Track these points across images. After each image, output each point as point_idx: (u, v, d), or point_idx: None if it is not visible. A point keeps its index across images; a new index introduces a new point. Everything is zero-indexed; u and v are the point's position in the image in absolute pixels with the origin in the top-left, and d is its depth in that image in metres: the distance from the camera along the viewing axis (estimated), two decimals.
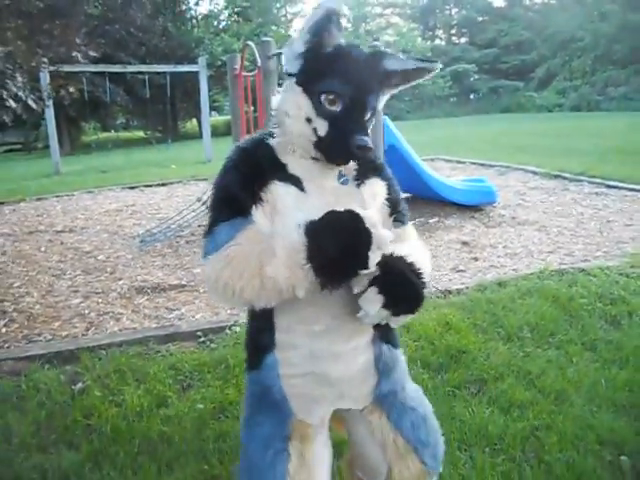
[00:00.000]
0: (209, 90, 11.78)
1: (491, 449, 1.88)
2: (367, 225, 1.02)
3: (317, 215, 1.04)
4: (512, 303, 3.00)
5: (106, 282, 3.89)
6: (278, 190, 1.13)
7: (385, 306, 1.08)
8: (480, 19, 37.40)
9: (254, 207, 1.12)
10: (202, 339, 2.77)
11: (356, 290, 1.10)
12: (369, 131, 1.13)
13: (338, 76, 1.08)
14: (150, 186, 8.17)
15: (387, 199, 1.24)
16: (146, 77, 11.08)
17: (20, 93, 4.81)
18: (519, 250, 4.24)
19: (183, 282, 3.79)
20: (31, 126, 21.97)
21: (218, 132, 19.15)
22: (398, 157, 5.10)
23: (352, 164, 1.19)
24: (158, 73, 12.15)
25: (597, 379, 2.26)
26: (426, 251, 1.25)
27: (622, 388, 2.19)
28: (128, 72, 13.76)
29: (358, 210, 1.04)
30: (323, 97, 1.09)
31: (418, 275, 1.11)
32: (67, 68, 7.74)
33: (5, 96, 4.60)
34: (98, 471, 1.85)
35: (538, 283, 3.29)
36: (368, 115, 1.13)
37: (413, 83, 1.22)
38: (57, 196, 7.67)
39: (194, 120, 26.20)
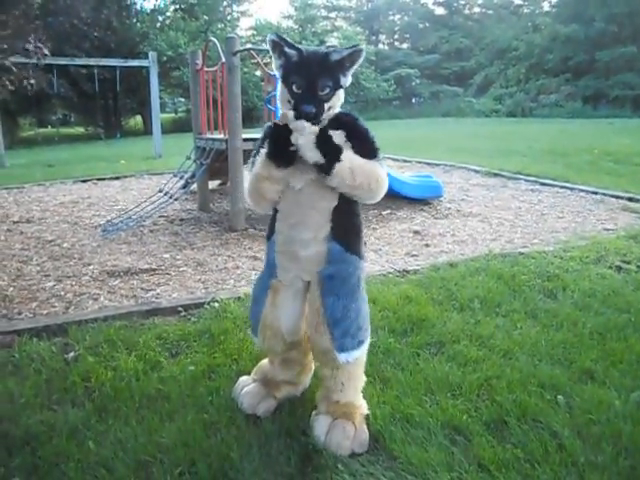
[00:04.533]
0: None
1: (452, 394, 2.18)
2: (290, 125, 1.70)
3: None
4: (463, 280, 3.35)
5: (76, 267, 3.98)
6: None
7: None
8: (422, 26, 38.55)
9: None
10: (183, 313, 2.96)
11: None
12: (326, 102, 1.74)
13: (297, 72, 1.72)
14: (103, 179, 8.15)
15: (350, 142, 1.79)
16: (95, 71, 10.94)
17: None
18: (465, 238, 4.63)
19: (153, 266, 3.95)
20: None
21: (163, 130, 18.97)
22: None
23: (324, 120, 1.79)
24: (106, 67, 12.00)
25: (538, 339, 2.62)
26: (367, 164, 1.79)
27: (558, 346, 2.56)
28: (74, 65, 13.50)
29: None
30: (292, 86, 1.73)
31: (335, 149, 1.71)
32: (15, 60, 7.61)
33: None
34: (104, 423, 2.03)
35: (485, 264, 3.66)
36: (324, 91, 1.72)
37: (357, 65, 1.78)
38: (7, 188, 7.54)
39: (137, 117, 25.79)
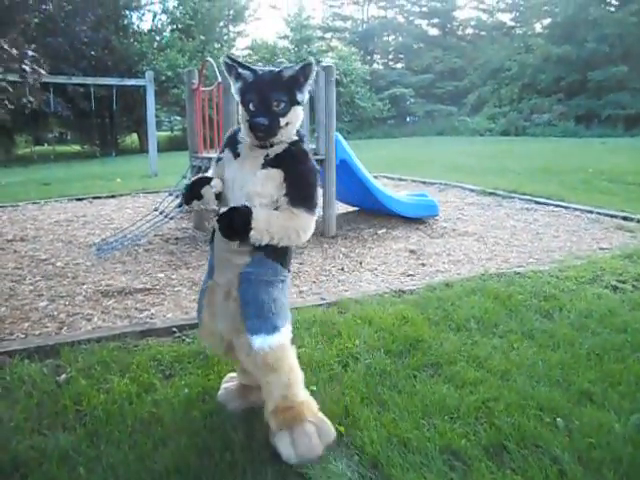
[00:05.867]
0: None
1: (450, 418, 2.15)
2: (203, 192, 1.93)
3: (232, 170, 1.94)
4: (459, 300, 3.34)
5: (69, 287, 3.95)
6: (227, 154, 1.99)
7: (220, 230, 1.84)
8: (416, 46, 39.00)
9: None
10: (177, 334, 2.93)
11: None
12: (281, 117, 1.82)
13: (252, 91, 1.81)
14: (99, 198, 8.13)
15: (285, 184, 1.85)
16: (92, 89, 10.99)
17: None
18: (461, 257, 4.62)
19: (148, 286, 3.92)
20: None
21: (159, 148, 19.02)
22: (349, 172, 5.42)
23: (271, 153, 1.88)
24: (103, 86, 12.06)
25: (535, 360, 2.60)
26: (286, 220, 1.85)
27: (556, 367, 2.54)
28: (72, 84, 13.56)
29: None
30: (249, 105, 1.82)
31: (244, 220, 1.79)
32: (11, 78, 7.64)
33: None
34: (95, 448, 1.99)
35: (480, 284, 3.65)
36: (279, 106, 1.81)
37: (310, 79, 1.85)
38: (1, 206, 7.50)
39: (133, 135, 25.86)
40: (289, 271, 2.03)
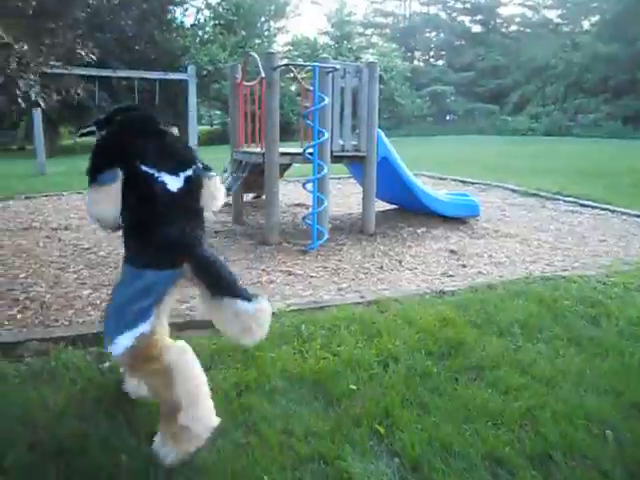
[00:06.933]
0: None
1: (492, 423, 2.10)
2: None
3: None
4: (502, 303, 3.25)
5: (111, 276, 4.01)
6: None
7: None
8: (458, 43, 38.44)
9: None
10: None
11: None
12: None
13: None
14: None
15: None
16: (135, 83, 11.15)
17: (30, 91, 4.91)
18: (503, 259, 4.52)
19: None
20: (8, 126, 21.77)
21: (199, 142, 19.25)
22: (390, 169, 5.36)
23: None
24: (146, 79, 12.23)
25: (582, 368, 2.51)
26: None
27: (604, 376, 2.44)
28: (116, 77, 13.81)
29: None
30: None
31: None
32: (59, 70, 7.82)
33: (19, 94, 4.68)
34: (136, 437, 2.01)
35: (524, 287, 3.56)
36: None
37: None
38: (46, 195, 7.71)
39: (174, 128, 26.23)
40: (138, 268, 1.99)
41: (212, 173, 2.20)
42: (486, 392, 2.31)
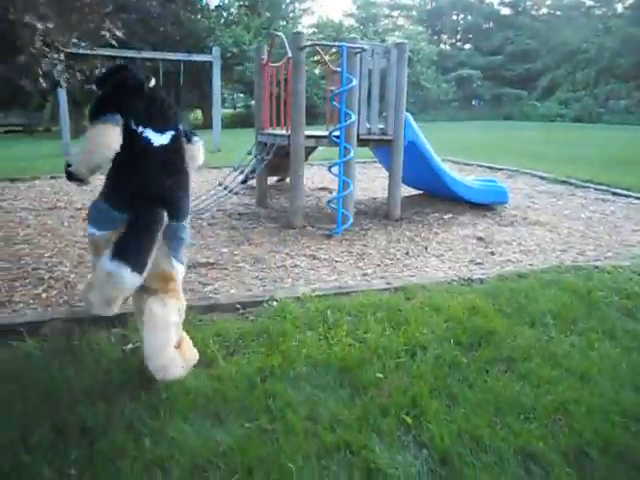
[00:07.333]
0: None
1: (524, 417, 2.02)
2: None
3: None
4: (533, 292, 3.16)
5: None
6: None
7: None
8: (486, 26, 37.62)
9: None
10: (241, 311, 2.90)
11: None
12: None
13: None
14: None
15: None
16: (160, 64, 11.12)
17: (54, 71, 4.88)
18: (533, 248, 4.39)
19: (211, 260, 3.92)
20: (34, 108, 21.97)
21: (222, 124, 19.23)
22: (417, 154, 5.25)
23: None
24: (170, 61, 12.20)
25: (618, 362, 2.42)
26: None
27: None
28: (140, 58, 13.80)
29: None
30: None
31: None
32: (83, 51, 7.81)
33: (40, 74, 4.66)
34: (159, 419, 1.98)
35: (556, 276, 3.45)
36: None
37: None
38: None
39: (197, 110, 26.26)
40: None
41: (196, 138, 2.51)
42: (517, 384, 2.23)
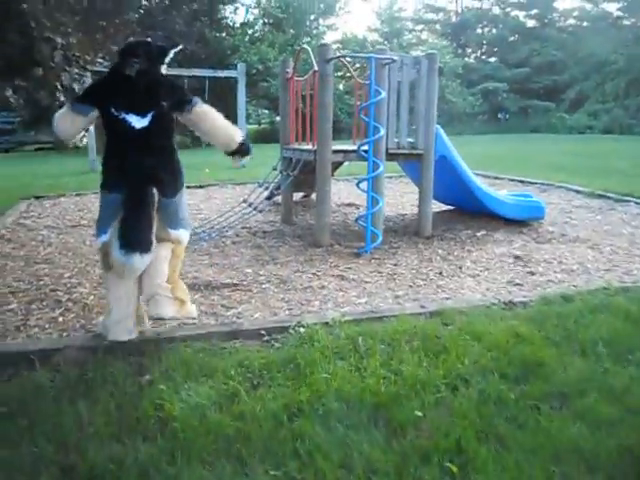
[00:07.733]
0: None
1: (587, 466, 1.78)
2: None
3: None
4: (582, 318, 2.90)
5: None
6: None
7: None
8: (512, 38, 37.21)
9: None
10: (266, 338, 2.71)
11: None
12: None
13: None
14: (188, 187, 8.16)
15: None
16: (185, 81, 11.13)
17: (74, 85, 4.82)
18: (575, 267, 4.12)
19: (235, 281, 3.75)
20: None
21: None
22: (449, 168, 5.03)
23: None
24: (195, 77, 12.22)
25: None
26: None
27: None
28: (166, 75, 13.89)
29: None
30: None
31: None
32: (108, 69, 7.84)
33: (59, 88, 4.60)
34: (175, 465, 1.80)
35: (605, 299, 3.18)
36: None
37: None
38: (95, 192, 7.68)
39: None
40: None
41: (194, 101, 2.63)
42: (574, 425, 1.99)
